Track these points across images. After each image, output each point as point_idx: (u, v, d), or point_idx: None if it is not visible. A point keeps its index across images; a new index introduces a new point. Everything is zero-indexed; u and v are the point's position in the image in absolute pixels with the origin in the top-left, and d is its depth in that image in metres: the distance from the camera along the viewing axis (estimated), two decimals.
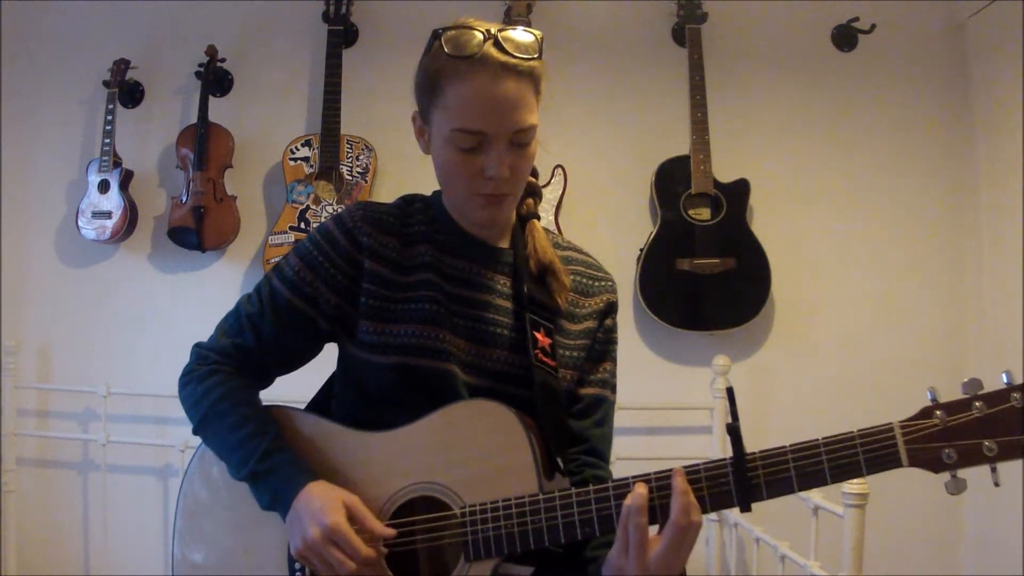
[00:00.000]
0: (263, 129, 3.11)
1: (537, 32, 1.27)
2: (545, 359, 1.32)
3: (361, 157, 2.99)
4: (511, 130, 1.24)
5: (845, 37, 3.04)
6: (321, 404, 1.47)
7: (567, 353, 1.37)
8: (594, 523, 1.18)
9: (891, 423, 1.11)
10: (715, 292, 2.88)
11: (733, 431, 1.16)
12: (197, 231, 2.99)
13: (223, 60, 3.08)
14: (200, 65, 3.05)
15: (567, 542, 1.19)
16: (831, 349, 3.03)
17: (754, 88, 3.07)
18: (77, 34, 3.17)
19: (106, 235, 3.02)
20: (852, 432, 1.11)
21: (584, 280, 1.42)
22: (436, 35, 1.29)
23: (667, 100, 3.03)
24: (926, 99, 3.05)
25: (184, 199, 3.01)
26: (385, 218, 1.37)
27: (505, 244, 1.39)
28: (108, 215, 3.02)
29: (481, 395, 1.30)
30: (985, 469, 1.09)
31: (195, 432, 1.37)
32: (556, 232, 1.49)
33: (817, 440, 1.12)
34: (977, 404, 1.11)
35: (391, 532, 1.24)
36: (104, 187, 3.03)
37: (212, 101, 3.06)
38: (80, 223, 3.04)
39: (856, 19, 3.02)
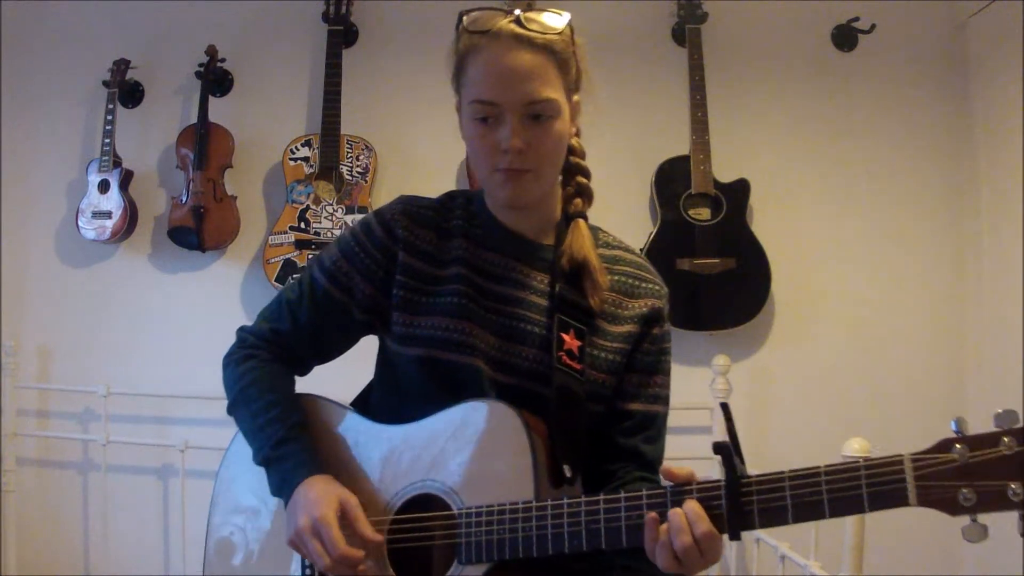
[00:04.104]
0: (263, 129, 3.11)
1: (564, 13, 1.28)
2: (570, 362, 1.29)
3: (361, 157, 2.99)
4: (524, 101, 1.24)
5: (845, 37, 3.04)
6: (367, 396, 1.49)
7: (601, 355, 1.33)
8: (582, 536, 1.15)
9: (901, 455, 1.01)
10: (715, 292, 2.87)
11: (723, 450, 1.10)
12: (197, 231, 2.99)
13: (223, 60, 3.08)
14: (200, 65, 3.05)
15: (555, 554, 1.17)
16: (831, 349, 3.03)
17: (754, 88, 3.07)
18: (77, 34, 3.17)
19: (106, 235, 3.02)
20: (857, 461, 1.04)
21: (629, 281, 1.37)
22: (460, 16, 1.29)
23: (667, 100, 3.03)
24: (926, 99, 3.05)
25: (184, 199, 3.01)
26: (424, 211, 1.38)
27: (548, 241, 1.37)
28: (108, 215, 3.02)
29: (507, 392, 1.29)
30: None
31: (228, 412, 1.40)
32: (607, 232, 1.45)
33: (818, 468, 1.05)
34: (1006, 440, 0.96)
35: (377, 538, 1.24)
36: (104, 187, 3.03)
37: (212, 101, 3.06)
38: (80, 223, 3.04)
39: (856, 19, 3.01)
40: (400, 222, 1.36)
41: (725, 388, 2.84)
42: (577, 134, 1.39)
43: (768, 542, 2.29)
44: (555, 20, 1.27)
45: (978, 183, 3.00)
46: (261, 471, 1.33)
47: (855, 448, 1.75)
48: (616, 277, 1.37)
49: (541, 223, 1.37)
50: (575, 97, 1.33)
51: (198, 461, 2.91)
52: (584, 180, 1.40)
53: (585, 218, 1.39)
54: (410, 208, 1.37)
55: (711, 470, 2.79)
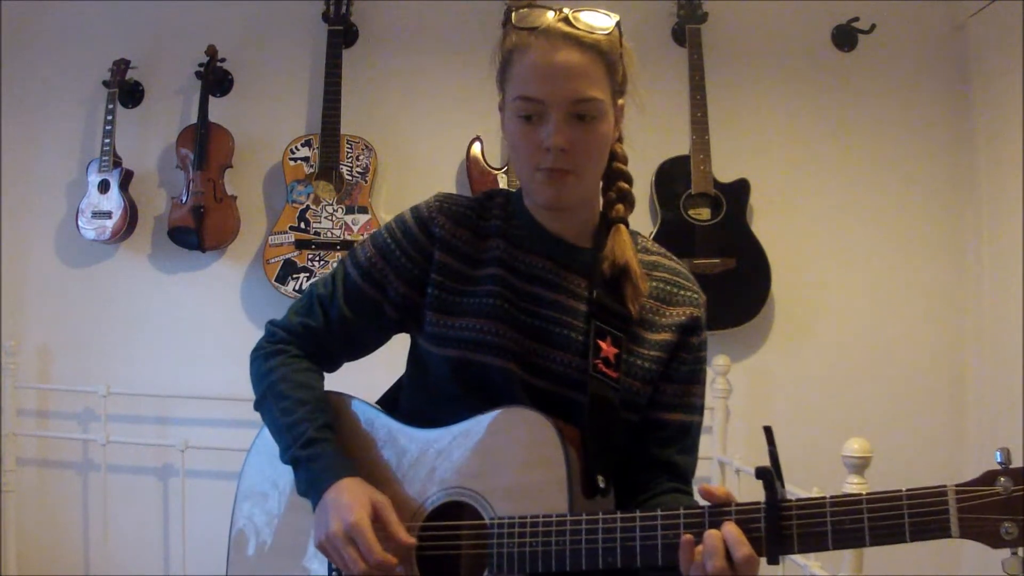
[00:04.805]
0: (263, 129, 3.11)
1: (615, 16, 1.26)
2: (606, 370, 1.26)
3: (361, 157, 2.99)
4: (569, 99, 1.22)
5: (845, 37, 3.04)
6: (396, 394, 1.46)
7: (638, 363, 1.30)
8: (616, 553, 1.13)
9: (945, 486, 0.99)
10: (715, 292, 2.85)
11: (765, 474, 1.06)
12: (197, 231, 2.99)
13: (223, 60, 3.08)
14: (200, 65, 3.05)
15: (588, 569, 1.14)
16: (831, 349, 3.03)
17: (754, 88, 3.07)
18: (77, 34, 3.17)
19: (106, 235, 3.02)
20: (899, 491, 1.01)
21: (667, 288, 1.34)
22: (508, 12, 1.27)
23: (667, 100, 3.02)
24: (926, 99, 3.05)
25: (184, 199, 3.01)
26: (462, 210, 1.35)
27: (587, 245, 1.35)
28: (108, 215, 3.02)
29: (539, 396, 1.27)
30: None
31: (255, 408, 1.38)
32: (646, 237, 1.41)
33: (860, 495, 1.03)
34: None
35: (411, 542, 1.22)
36: (104, 187, 3.03)
37: (212, 101, 3.06)
38: (80, 223, 3.04)
39: (856, 19, 3.01)
40: (438, 220, 1.33)
41: (725, 388, 2.84)
42: (620, 139, 1.36)
43: None
44: (604, 20, 1.25)
45: (978, 183, 3.00)
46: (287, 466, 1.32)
47: (855, 448, 1.74)
48: (654, 284, 1.34)
49: (580, 226, 1.34)
50: (620, 101, 1.31)
51: (198, 461, 2.91)
52: (626, 186, 1.37)
53: (626, 223, 1.36)
54: (447, 206, 1.35)
55: (711, 470, 2.80)
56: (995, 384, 2.87)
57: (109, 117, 3.01)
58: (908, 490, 1.00)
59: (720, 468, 2.79)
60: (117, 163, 3.04)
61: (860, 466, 1.74)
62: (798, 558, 2.11)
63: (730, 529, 1.08)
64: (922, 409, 2.99)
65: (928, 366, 3.00)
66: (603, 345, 1.27)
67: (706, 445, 2.86)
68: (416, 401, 1.38)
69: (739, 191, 2.93)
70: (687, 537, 1.09)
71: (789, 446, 1.13)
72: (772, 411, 3.01)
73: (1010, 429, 2.62)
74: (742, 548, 1.06)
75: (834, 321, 3.04)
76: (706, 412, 2.98)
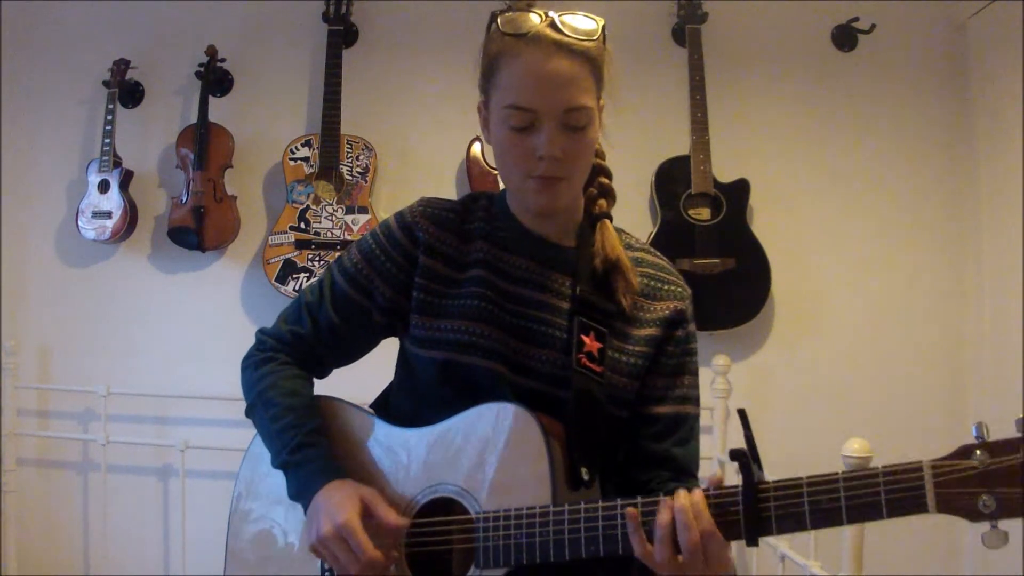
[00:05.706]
0: (263, 129, 3.11)
1: (599, 19, 1.26)
2: (590, 364, 1.27)
3: (361, 157, 2.99)
4: (562, 108, 1.22)
5: (845, 37, 3.04)
6: (387, 398, 1.48)
7: (623, 359, 1.31)
8: (599, 542, 1.15)
9: (920, 461, 0.99)
10: (715, 292, 2.88)
11: (740, 456, 1.08)
12: (197, 231, 2.99)
13: (223, 60, 3.08)
14: (200, 65, 3.05)
15: (572, 559, 1.16)
16: (831, 349, 3.03)
17: (754, 88, 3.07)
18: (77, 34, 3.17)
19: (106, 235, 3.02)
20: (876, 468, 1.01)
21: (652, 283, 1.37)
22: (493, 16, 1.27)
23: (667, 100, 3.03)
24: (926, 99, 3.05)
25: (184, 199, 3.01)
26: (445, 214, 1.36)
27: (570, 243, 1.36)
28: (108, 215, 3.02)
29: (525, 395, 1.28)
30: None
31: (247, 415, 1.40)
32: (629, 233, 1.43)
33: (836, 474, 1.03)
34: None
35: (403, 523, 1.24)
36: (104, 187, 3.03)
37: (212, 101, 3.06)
38: (80, 223, 3.04)
39: (856, 19, 3.02)
40: (421, 225, 1.34)
41: (725, 388, 2.84)
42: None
43: (767, 542, 2.29)
44: (590, 24, 1.24)
45: (978, 183, 3.00)
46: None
47: (855, 448, 1.75)
48: (640, 279, 1.35)
49: (564, 225, 1.35)
50: (601, 101, 1.31)
51: (198, 461, 2.91)
52: (606, 180, 1.38)
53: (610, 218, 1.38)
54: (431, 210, 1.36)
55: (712, 469, 2.80)
56: (995, 384, 2.88)
57: (109, 117, 3.01)
58: (884, 467, 1.00)
59: (721, 468, 2.79)
60: (117, 163, 3.04)
61: (860, 466, 1.74)
62: (798, 557, 2.12)
63: (697, 497, 1.10)
64: (922, 408, 2.99)
65: (928, 365, 3.01)
66: (587, 340, 1.28)
67: (706, 445, 2.86)
68: (406, 403, 1.39)
69: (739, 191, 2.93)
70: (631, 511, 1.11)
71: (789, 446, 1.14)
72: (772, 411, 3.01)
73: (1010, 429, 2.62)
74: (690, 533, 1.08)
75: (834, 321, 3.04)
76: (706, 412, 2.99)
